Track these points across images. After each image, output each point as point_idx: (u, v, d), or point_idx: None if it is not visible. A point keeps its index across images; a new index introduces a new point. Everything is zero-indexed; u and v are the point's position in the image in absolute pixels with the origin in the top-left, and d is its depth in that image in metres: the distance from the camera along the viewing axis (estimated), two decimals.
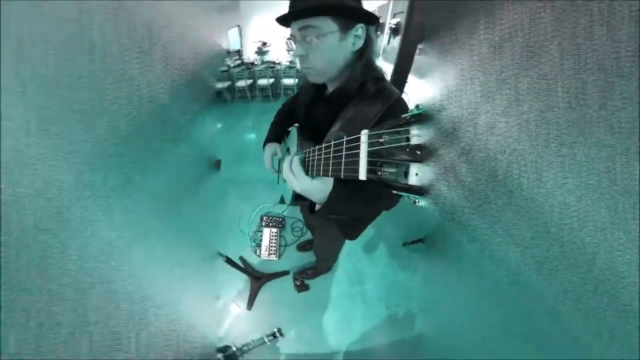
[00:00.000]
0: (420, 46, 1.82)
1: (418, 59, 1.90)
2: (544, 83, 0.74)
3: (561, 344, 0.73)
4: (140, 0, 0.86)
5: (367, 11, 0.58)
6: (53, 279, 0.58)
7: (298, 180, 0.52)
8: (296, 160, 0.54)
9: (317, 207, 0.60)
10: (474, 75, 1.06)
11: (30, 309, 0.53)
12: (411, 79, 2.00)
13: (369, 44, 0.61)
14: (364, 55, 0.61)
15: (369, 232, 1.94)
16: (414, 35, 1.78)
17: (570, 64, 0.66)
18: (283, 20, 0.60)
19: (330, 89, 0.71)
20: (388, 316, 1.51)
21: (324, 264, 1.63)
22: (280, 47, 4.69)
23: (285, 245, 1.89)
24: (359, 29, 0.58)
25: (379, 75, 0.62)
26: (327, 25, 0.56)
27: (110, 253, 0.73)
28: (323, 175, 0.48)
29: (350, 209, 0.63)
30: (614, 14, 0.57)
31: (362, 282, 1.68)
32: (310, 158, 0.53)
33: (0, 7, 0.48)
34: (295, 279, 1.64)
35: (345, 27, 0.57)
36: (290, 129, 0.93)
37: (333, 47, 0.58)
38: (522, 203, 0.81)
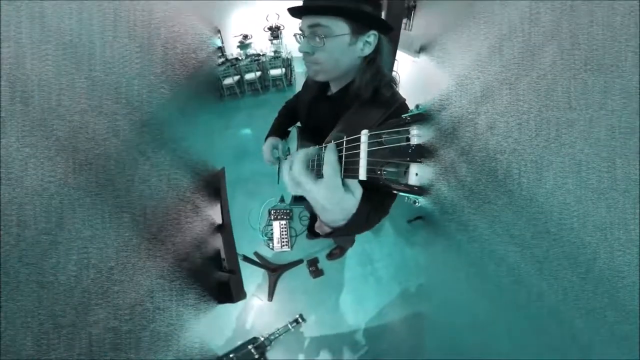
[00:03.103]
0: (404, 21, 1.81)
1: (403, 33, 1.88)
2: (544, 83, 0.74)
3: (561, 344, 0.73)
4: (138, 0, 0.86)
5: (382, 19, 0.58)
6: (53, 279, 0.58)
7: (306, 187, 0.35)
8: (297, 164, 0.35)
9: (318, 225, 0.47)
10: (474, 75, 1.06)
11: (30, 309, 0.53)
12: (401, 56, 1.97)
13: (379, 51, 0.60)
14: (375, 62, 0.60)
15: None
16: (397, 9, 1.75)
17: (570, 64, 0.66)
18: (295, 12, 0.59)
19: (334, 89, 0.70)
20: (400, 292, 1.61)
21: (347, 242, 1.68)
22: (261, 37, 4.68)
23: (296, 236, 1.95)
24: (371, 36, 0.57)
25: (391, 82, 0.61)
26: (339, 27, 0.54)
27: (110, 253, 0.73)
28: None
29: (368, 227, 0.50)
30: (614, 14, 0.57)
31: (373, 263, 1.78)
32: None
33: (0, 8, 0.48)
34: (309, 267, 1.71)
35: (357, 32, 0.56)
36: (290, 129, 0.94)
37: (340, 49, 0.57)
38: (522, 203, 0.81)
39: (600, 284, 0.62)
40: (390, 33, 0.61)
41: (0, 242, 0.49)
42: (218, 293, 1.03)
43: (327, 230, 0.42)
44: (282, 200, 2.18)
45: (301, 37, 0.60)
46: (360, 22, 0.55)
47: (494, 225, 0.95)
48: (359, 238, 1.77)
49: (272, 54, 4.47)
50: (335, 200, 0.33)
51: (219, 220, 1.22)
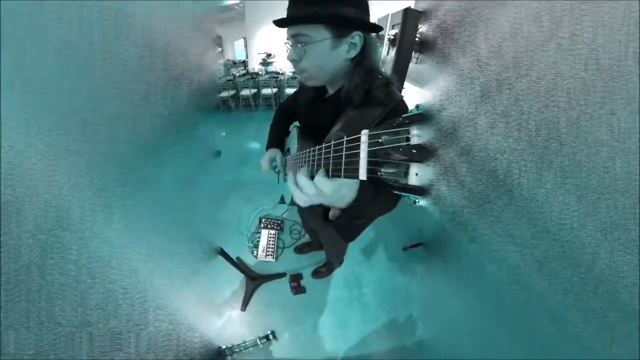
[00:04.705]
0: (415, 55, 1.82)
1: (413, 67, 1.90)
2: (544, 83, 0.74)
3: (561, 344, 0.73)
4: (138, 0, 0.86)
5: (362, 20, 0.57)
6: (53, 279, 0.58)
7: (313, 191, 0.41)
8: (301, 177, 0.43)
9: (332, 212, 0.52)
10: (474, 76, 1.06)
11: (30, 309, 0.53)
12: (408, 86, 1.99)
13: (367, 51, 0.60)
14: (363, 62, 0.60)
15: (367, 235, 1.92)
16: (408, 44, 1.78)
17: (570, 64, 0.66)
18: (278, 24, 0.60)
19: (330, 91, 0.70)
20: (386, 322, 1.48)
21: (336, 259, 1.62)
22: (284, 58, 4.84)
23: (283, 248, 1.89)
24: (355, 37, 0.57)
25: (385, 81, 0.60)
26: (319, 33, 0.55)
27: (110, 253, 0.73)
28: None
29: (374, 210, 0.55)
30: (614, 14, 0.57)
31: (360, 287, 1.65)
32: (311, 158, 0.53)
33: (1, 8, 0.48)
34: (291, 282, 1.64)
35: (339, 35, 0.56)
36: (290, 128, 0.94)
37: (323, 54, 0.58)
38: (522, 203, 0.81)
39: (600, 284, 0.61)
40: (378, 32, 0.61)
41: (0, 242, 0.49)
42: None
43: (338, 213, 0.48)
44: (282, 200, 2.18)
45: (288, 46, 0.62)
46: (341, 26, 0.55)
47: (494, 225, 0.95)
48: (348, 259, 1.66)
49: (291, 74, 4.71)
50: (341, 181, 0.40)
51: None
